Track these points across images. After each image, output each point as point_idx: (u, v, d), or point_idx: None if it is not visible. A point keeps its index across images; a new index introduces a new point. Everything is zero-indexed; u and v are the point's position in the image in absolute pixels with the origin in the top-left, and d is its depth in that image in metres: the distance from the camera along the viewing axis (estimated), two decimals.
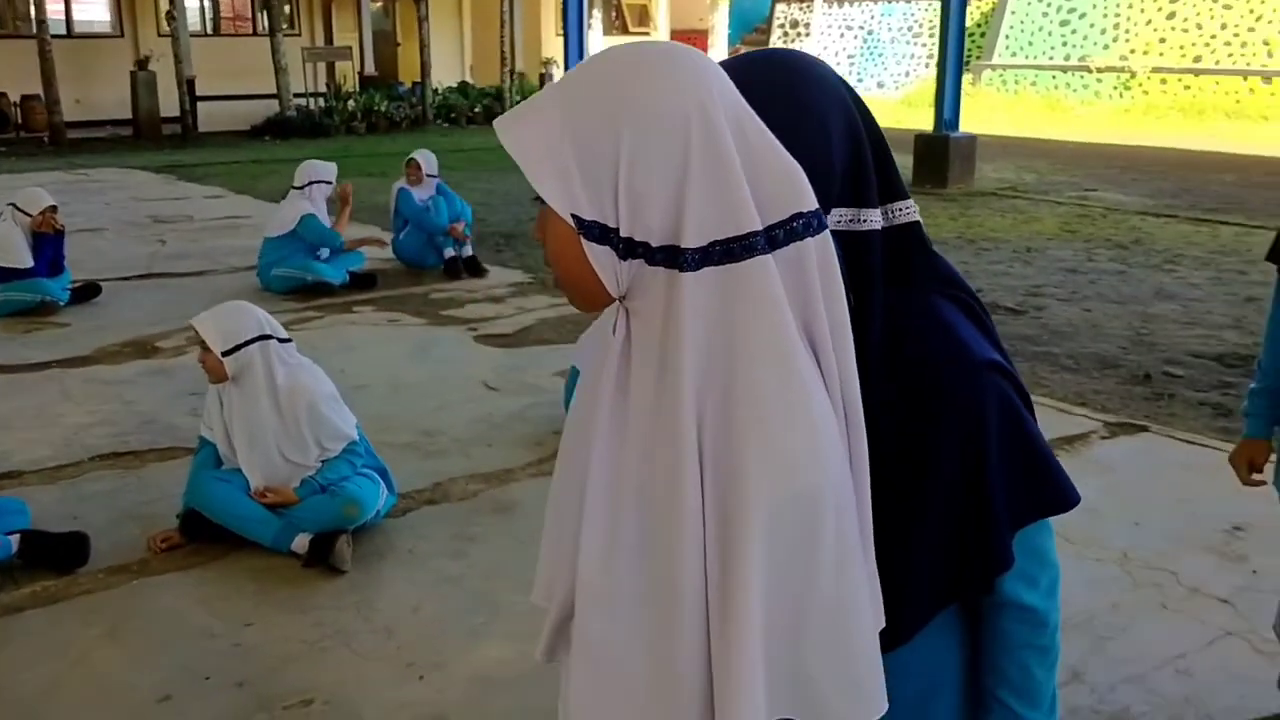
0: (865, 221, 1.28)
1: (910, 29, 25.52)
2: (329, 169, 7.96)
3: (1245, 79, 20.26)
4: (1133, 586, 3.69)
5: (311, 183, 7.81)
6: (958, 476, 1.29)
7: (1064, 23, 22.62)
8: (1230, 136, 18.47)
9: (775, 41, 28.08)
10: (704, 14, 27.95)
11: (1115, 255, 9.39)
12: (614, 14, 27.12)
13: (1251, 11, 20.27)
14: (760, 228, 1.07)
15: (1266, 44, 20.08)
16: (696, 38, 28.37)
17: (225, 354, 3.86)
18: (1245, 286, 8.24)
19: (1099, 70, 21.98)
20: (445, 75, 23.14)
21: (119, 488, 4.46)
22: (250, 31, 22.42)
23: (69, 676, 3.19)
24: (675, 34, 26.36)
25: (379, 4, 25.20)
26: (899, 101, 23.97)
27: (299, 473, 3.96)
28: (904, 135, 18.08)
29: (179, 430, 5.08)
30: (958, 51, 13.14)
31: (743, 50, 27.90)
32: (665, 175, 1.07)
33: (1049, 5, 22.83)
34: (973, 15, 23.55)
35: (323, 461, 3.99)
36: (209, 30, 21.85)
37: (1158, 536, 4.04)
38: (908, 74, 25.36)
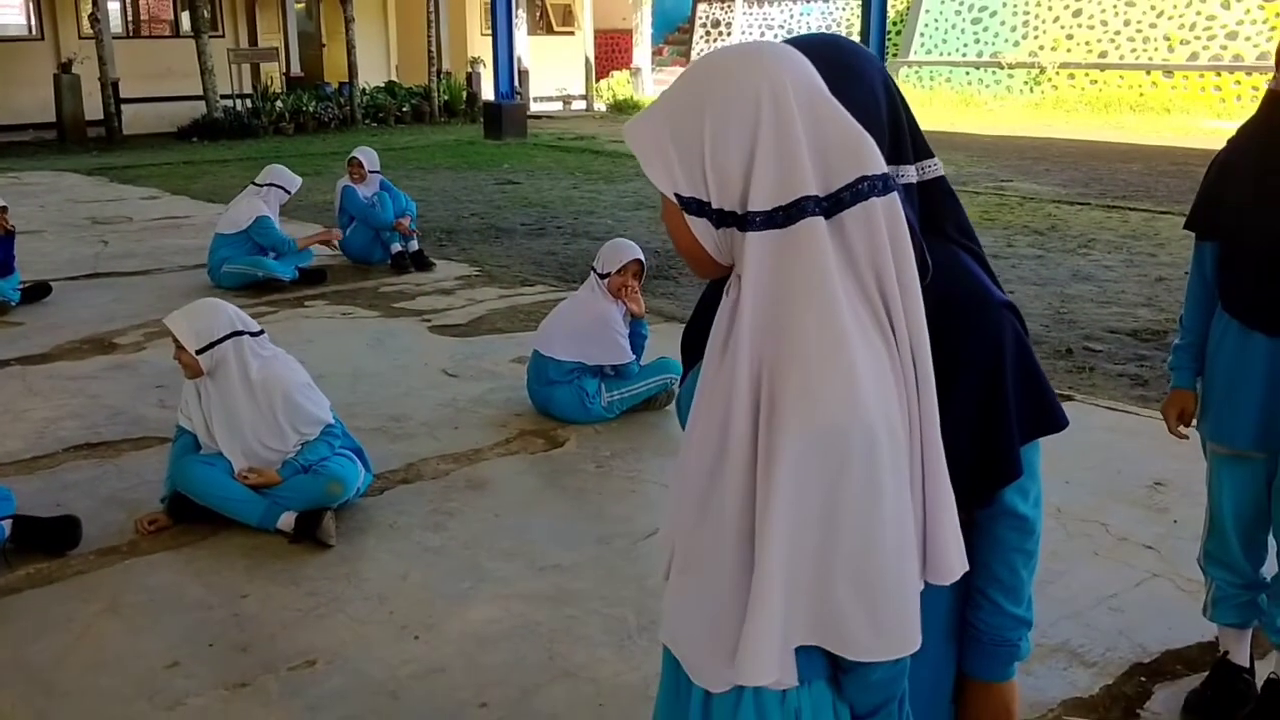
0: (902, 176, 1.52)
1: (829, 28, 26.01)
2: (293, 180, 8.07)
3: (1148, 73, 21.02)
4: (1067, 537, 4.01)
5: (272, 185, 7.90)
6: (978, 398, 1.53)
7: (976, 21, 23.25)
8: (1135, 128, 19.16)
9: (697, 41, 28.43)
10: (627, 14, 28.21)
11: (1033, 241, 9.82)
12: (539, 14, 27.24)
13: (1153, 8, 21.03)
14: (814, 193, 1.26)
15: (1167, 39, 20.85)
16: (620, 37, 28.65)
17: (199, 351, 4.00)
18: (1155, 268, 8.70)
19: (1010, 66, 22.64)
20: (371, 75, 23.09)
21: (98, 476, 4.58)
22: (172, 33, 22.19)
23: (76, 647, 3.34)
24: (599, 34, 26.58)
25: (302, 5, 25.06)
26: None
27: (280, 456, 4.13)
28: None
29: (149, 421, 5.20)
30: (879, 50, 13.53)
31: (666, 51, 28.11)
32: (739, 152, 1.27)
33: (961, 4, 23.45)
34: (888, 14, 24.11)
35: (302, 444, 4.16)
36: (129, 32, 21.59)
37: (1087, 493, 4.37)
38: None
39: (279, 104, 20.26)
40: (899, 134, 1.53)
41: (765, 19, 27.08)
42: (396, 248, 8.44)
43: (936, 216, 1.57)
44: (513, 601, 3.60)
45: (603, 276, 5.18)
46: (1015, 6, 22.68)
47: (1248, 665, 3.00)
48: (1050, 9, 22.24)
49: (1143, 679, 3.15)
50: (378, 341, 6.60)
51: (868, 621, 1.31)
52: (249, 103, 20.21)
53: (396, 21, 26.51)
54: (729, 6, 27.56)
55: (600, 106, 25.66)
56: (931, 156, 1.59)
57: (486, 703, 3.05)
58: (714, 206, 1.29)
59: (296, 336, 6.63)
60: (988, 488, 1.59)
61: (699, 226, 1.32)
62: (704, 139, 1.27)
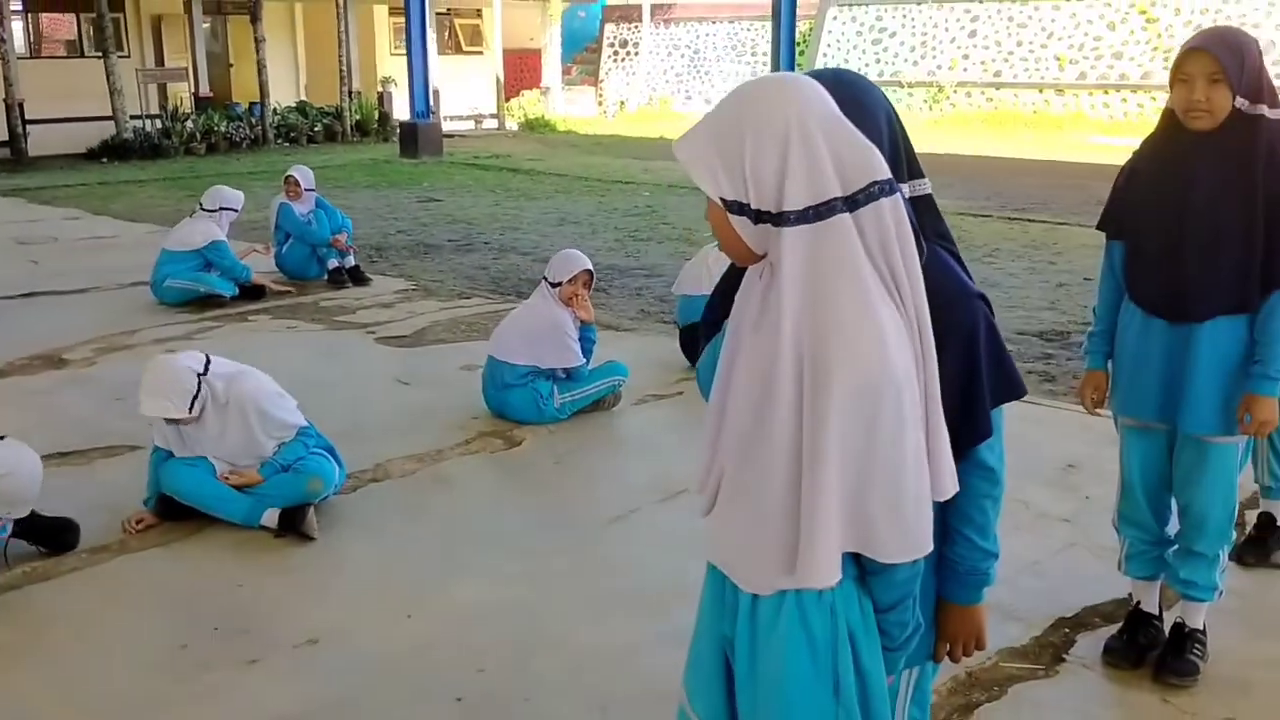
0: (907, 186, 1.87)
1: (734, 48, 26.65)
2: (238, 198, 8.26)
3: (1041, 91, 21.97)
4: None
5: (222, 209, 8.08)
6: (956, 369, 1.86)
7: (876, 41, 24.05)
8: (1030, 144, 20.02)
9: (605, 60, 28.85)
10: (535, 34, 28.55)
11: None
12: (448, 34, 27.43)
13: (1044, 30, 22.00)
14: (840, 195, 1.57)
15: (1058, 59, 21.82)
16: (528, 57, 28.97)
17: (190, 409, 4.20)
18: (1056, 275, 9.27)
19: (910, 85, 23.45)
20: (280, 95, 23.04)
21: (75, 483, 4.73)
22: (76, 54, 21.93)
23: (87, 635, 3.55)
24: (508, 53, 26.84)
25: (207, 25, 24.91)
26: None
27: (260, 460, 4.35)
28: None
29: (115, 431, 5.36)
30: (790, 69, 14.03)
31: (575, 70, 28.46)
32: (773, 163, 1.58)
33: (862, 25, 24.24)
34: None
35: (279, 446, 4.38)
36: (33, 53, 21.29)
37: (1008, 476, 4.77)
38: None
39: (189, 124, 20.17)
40: (897, 157, 1.87)
41: (672, 39, 27.62)
42: (333, 263, 8.64)
43: (923, 225, 1.89)
44: (494, 583, 3.88)
45: (554, 285, 5.48)
46: (913, 28, 23.52)
47: (1157, 613, 3.41)
48: (947, 30, 23.11)
49: (1066, 630, 3.54)
50: (327, 353, 6.81)
51: (896, 530, 1.65)
52: (159, 123, 20.08)
53: (305, 41, 26.50)
54: (636, 27, 28.06)
55: (512, 125, 25.92)
56: (923, 177, 1.94)
57: (484, 669, 3.33)
58: (753, 207, 1.60)
59: (244, 350, 6.79)
60: (964, 445, 1.92)
61: (739, 223, 1.63)
62: (744, 153, 1.58)
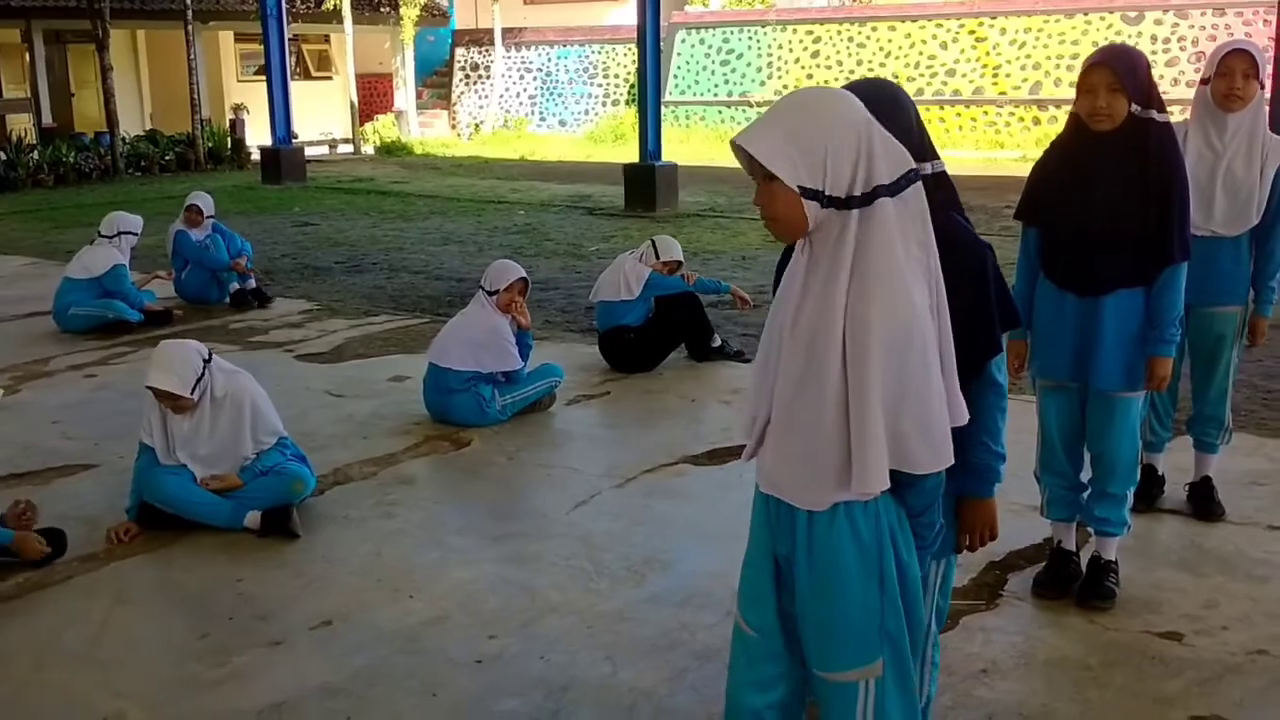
0: (922, 169, 2.32)
1: (586, 70, 27.14)
2: (137, 222, 8.32)
3: None
4: None
5: (121, 233, 8.11)
6: (972, 300, 2.36)
7: (724, 63, 24.87)
8: None
9: (457, 84, 29.00)
10: (384, 59, 28.55)
11: None
12: (296, 60, 27.18)
13: (881, 49, 23.13)
14: (885, 183, 1.99)
15: (895, 77, 22.92)
16: (379, 81, 28.94)
17: (192, 391, 4.40)
18: None
19: (758, 105, 24.31)
20: (126, 124, 22.51)
21: (40, 500, 4.82)
22: None
23: (105, 633, 3.73)
24: (360, 78, 26.78)
25: (43, 54, 24.17)
26: (584, 138, 25.51)
27: (239, 464, 4.56)
28: (604, 168, 19.56)
29: (63, 451, 5.46)
30: (655, 89, 14.60)
31: (426, 94, 28.47)
32: (849, 160, 1.98)
33: (710, 48, 25.03)
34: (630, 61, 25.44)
35: (258, 453, 4.61)
36: None
37: None
38: (587, 112, 26.94)
39: (35, 155, 19.61)
40: (923, 143, 2.37)
41: (524, 62, 27.97)
42: (235, 286, 8.75)
43: (940, 195, 2.37)
44: (482, 564, 4.19)
45: (490, 293, 5.81)
46: (759, 50, 24.42)
47: (1074, 550, 3.94)
48: (791, 51, 24.07)
49: (997, 572, 4.04)
50: (252, 371, 6.92)
51: (926, 446, 2.05)
52: (1, 155, 19.47)
53: (150, 69, 25.97)
54: (487, 50, 28.32)
55: (368, 149, 25.87)
56: (938, 158, 2.43)
57: (495, 635, 3.65)
58: (826, 194, 1.99)
59: None
60: (979, 360, 2.43)
61: (810, 207, 2.01)
62: (826, 150, 1.98)
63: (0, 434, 5.78)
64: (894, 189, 2.00)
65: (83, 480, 5.10)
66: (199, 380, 4.41)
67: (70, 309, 7.90)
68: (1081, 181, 3.54)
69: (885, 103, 2.23)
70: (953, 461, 2.09)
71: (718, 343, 6.99)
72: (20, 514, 4.33)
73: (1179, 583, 3.95)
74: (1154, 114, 3.48)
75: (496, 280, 5.84)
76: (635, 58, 25.86)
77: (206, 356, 4.51)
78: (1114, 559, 3.84)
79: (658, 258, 6.90)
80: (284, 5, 18.91)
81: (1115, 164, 3.50)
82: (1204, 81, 4.16)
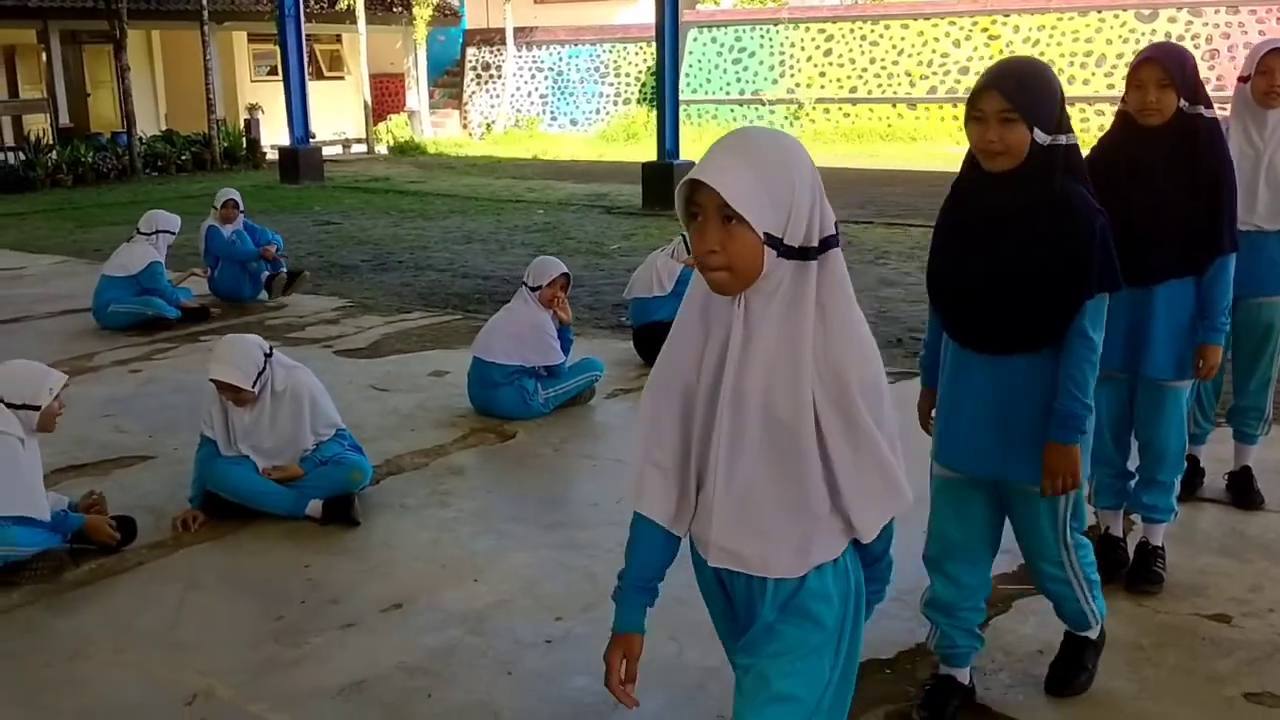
0: (1063, 139, 2.69)
1: (597, 70, 27.26)
2: (175, 221, 8.45)
3: (894, 106, 23.19)
4: None
5: (159, 231, 8.24)
6: (1075, 253, 2.70)
7: (736, 61, 24.98)
8: (888, 156, 21.16)
9: (468, 84, 29.14)
10: (395, 59, 28.69)
11: None
12: (308, 61, 27.27)
13: (894, 47, 23.24)
14: (833, 233, 1.92)
15: (909, 75, 23.07)
16: (390, 81, 29.08)
17: (253, 385, 4.51)
18: None
19: (771, 102, 24.45)
20: (141, 124, 22.63)
21: (104, 490, 4.95)
22: None
23: (182, 617, 3.84)
24: (373, 78, 26.91)
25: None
26: (596, 137, 25.63)
27: (299, 455, 4.68)
28: (617, 167, 19.66)
29: (117, 444, 5.58)
30: (674, 88, 14.69)
31: (438, 94, 28.57)
32: (807, 208, 1.88)
33: (722, 46, 25.14)
34: (653, 57, 25.55)
35: (317, 444, 4.72)
36: None
37: None
38: (598, 111, 27.07)
39: (54, 155, 19.76)
40: (1063, 116, 2.73)
41: (535, 61, 28.09)
42: (267, 273, 8.90)
43: (1074, 164, 2.78)
44: (539, 550, 4.30)
45: (534, 289, 5.92)
46: (772, 48, 24.53)
47: (1121, 537, 4.04)
48: (804, 49, 24.17)
49: (989, 583, 4.13)
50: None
51: (898, 494, 1.99)
52: (21, 155, 19.62)
53: (164, 69, 26.12)
54: (499, 50, 28.44)
55: (382, 149, 26.00)
56: (1071, 130, 2.74)
57: (561, 617, 3.76)
58: (785, 242, 1.88)
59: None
60: (1073, 301, 2.74)
61: (770, 255, 1.88)
62: (792, 198, 1.86)
63: (58, 427, 5.88)
64: (837, 240, 1.94)
65: (141, 471, 5.22)
66: (260, 374, 4.52)
67: (110, 306, 8.02)
68: (1132, 175, 3.63)
69: (1043, 77, 2.60)
70: (911, 501, 2.02)
71: None
72: (92, 504, 4.44)
73: (1223, 568, 4.05)
74: (1201, 110, 3.59)
75: (539, 276, 5.94)
76: (646, 57, 26.08)
77: (268, 351, 4.62)
78: (1161, 545, 3.94)
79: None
80: (301, 5, 19.01)
81: (1165, 158, 3.59)
82: (1243, 79, 4.27)
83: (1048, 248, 2.76)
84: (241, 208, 8.92)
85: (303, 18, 19.25)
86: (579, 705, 3.28)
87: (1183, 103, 3.56)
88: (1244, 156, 4.18)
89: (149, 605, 3.92)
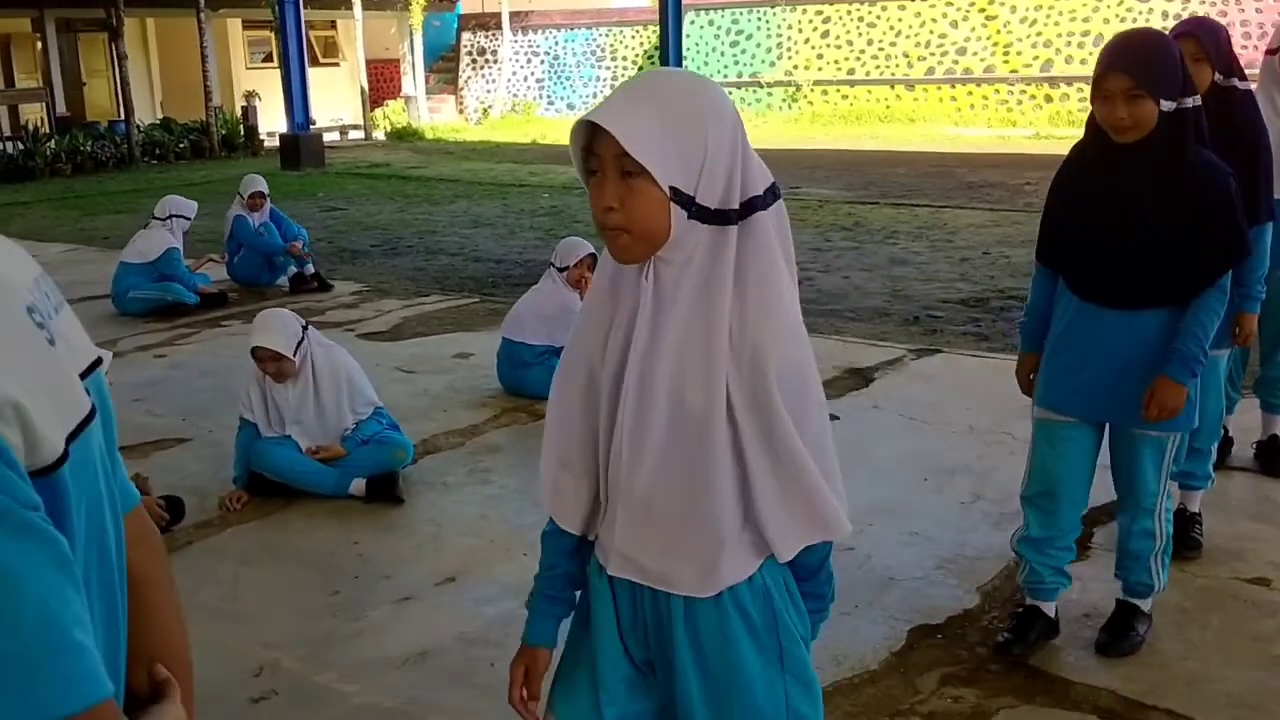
0: (1187, 103, 2.83)
1: (593, 53, 27.23)
2: (191, 206, 8.45)
3: (892, 87, 23.21)
4: (986, 445, 5.11)
5: (173, 216, 8.26)
6: (1224, 220, 2.88)
7: (734, 44, 24.99)
8: (887, 137, 21.20)
9: (464, 69, 29.09)
10: (390, 44, 28.63)
11: (846, 236, 11.14)
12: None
13: (892, 28, 23.25)
14: (759, 194, 1.62)
15: (906, 56, 23.10)
16: (386, 66, 29.01)
17: (294, 354, 4.56)
18: (956, 251, 10.13)
19: (768, 85, 24.46)
20: (137, 112, 22.57)
21: (144, 472, 5.01)
22: None
23: (238, 591, 3.91)
24: (369, 64, 26.86)
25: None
26: None
27: (340, 434, 4.74)
28: None
29: (152, 427, 5.62)
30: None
31: (433, 79, 28.51)
32: (725, 164, 1.59)
33: (719, 29, 25.13)
34: (650, 40, 25.57)
35: (357, 424, 4.78)
36: None
37: (987, 414, 5.49)
38: (594, 95, 27.03)
39: (52, 145, 19.72)
40: (1185, 78, 2.87)
41: (530, 45, 28.05)
42: (293, 270, 8.90)
43: (1199, 128, 2.98)
44: None
45: (561, 270, 5.97)
46: (769, 30, 24.53)
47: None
48: (801, 31, 24.18)
49: (1081, 526, 4.22)
50: None
51: (829, 506, 1.69)
52: (19, 145, 19.58)
53: (159, 58, 26.04)
54: (494, 35, 28.39)
55: (379, 135, 25.96)
56: (1196, 94, 2.91)
57: None
58: (698, 202, 1.59)
59: (233, 353, 7.06)
60: (1229, 263, 3.00)
61: (678, 215, 1.58)
62: (706, 149, 1.57)
63: None
64: (765, 202, 1.63)
65: (180, 453, 5.27)
66: (299, 343, 4.58)
67: (129, 293, 8.05)
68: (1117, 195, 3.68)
69: (1163, 49, 2.77)
70: (847, 531, 1.74)
71: None
72: (138, 485, 4.49)
73: (1259, 533, 4.13)
74: (1236, 82, 3.65)
75: (567, 256, 6.00)
76: (643, 40, 26.07)
77: (304, 324, 4.68)
78: (1198, 511, 4.02)
79: None
80: None
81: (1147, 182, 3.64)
82: (1270, 52, 4.33)
83: (1188, 213, 2.95)
84: (268, 197, 8.94)
85: (301, 3, 19.17)
86: None
87: (1217, 76, 3.62)
88: (1270, 127, 4.23)
89: (205, 582, 3.98)
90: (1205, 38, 3.62)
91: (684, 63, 25.24)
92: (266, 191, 8.90)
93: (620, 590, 1.80)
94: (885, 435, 5.29)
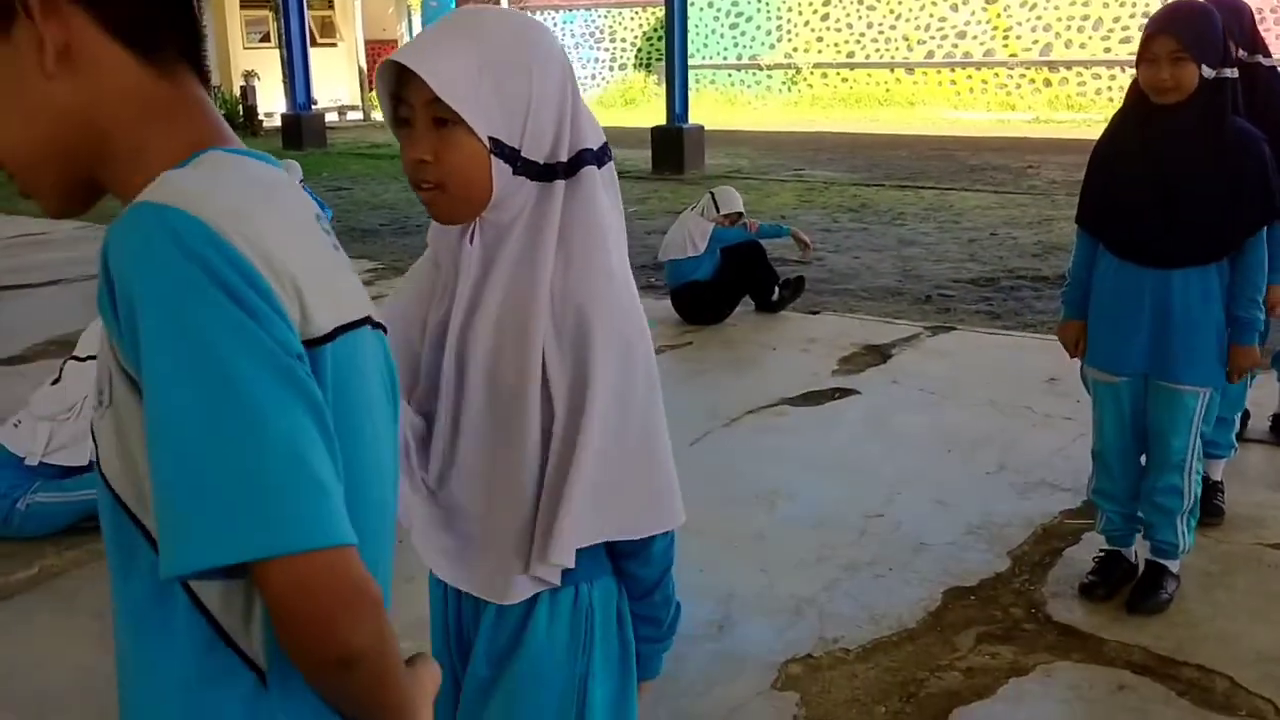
0: (1227, 73, 2.97)
1: (593, 35, 27.25)
2: None
3: (892, 70, 23.28)
4: (1007, 418, 5.21)
5: None
6: (1259, 183, 3.04)
7: (734, 26, 25.02)
8: (887, 120, 21.29)
9: None
10: (387, 24, 28.61)
11: (854, 217, 11.22)
12: None
13: (892, 11, 23.31)
14: (593, 148, 1.48)
15: (906, 39, 23.16)
16: (383, 47, 28.98)
17: None
18: (964, 232, 10.23)
19: (768, 68, 24.51)
20: None
21: None
22: None
23: None
24: (367, 44, 26.85)
25: None
26: (593, 103, 25.62)
27: None
28: (619, 131, 19.69)
29: None
30: (683, 52, 14.78)
31: None
32: (553, 115, 1.43)
33: (719, 10, 25.16)
34: (649, 21, 25.59)
35: None
36: None
37: (1006, 390, 5.59)
38: (594, 77, 27.08)
39: None
40: (1226, 50, 3.03)
41: None
42: None
43: (1234, 99, 3.13)
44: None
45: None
46: (769, 12, 24.57)
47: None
48: (801, 14, 24.22)
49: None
50: None
51: (653, 498, 1.54)
52: None
53: None
54: None
55: (377, 116, 25.94)
56: (1234, 64, 3.06)
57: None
58: (524, 155, 1.43)
59: None
60: (1262, 222, 3.17)
61: (500, 170, 1.43)
62: (530, 97, 1.42)
63: None
64: (599, 160, 1.51)
65: None
66: None
67: None
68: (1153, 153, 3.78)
69: (1209, 19, 2.99)
70: (684, 519, 1.58)
71: (776, 295, 7.23)
72: None
73: (1275, 502, 4.24)
74: (1260, 59, 3.76)
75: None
76: (642, 22, 26.09)
77: None
78: (1221, 480, 4.13)
79: (718, 211, 7.14)
80: None
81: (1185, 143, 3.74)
82: None
83: (1226, 174, 3.14)
84: (299, 178, 9.00)
85: None
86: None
87: (1241, 53, 3.71)
88: None
89: None
90: (1229, 16, 3.71)
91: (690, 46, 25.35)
92: (300, 174, 8.95)
93: (447, 589, 1.66)
94: (906, 409, 5.39)
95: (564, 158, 1.46)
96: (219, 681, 0.99)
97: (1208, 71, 3.06)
